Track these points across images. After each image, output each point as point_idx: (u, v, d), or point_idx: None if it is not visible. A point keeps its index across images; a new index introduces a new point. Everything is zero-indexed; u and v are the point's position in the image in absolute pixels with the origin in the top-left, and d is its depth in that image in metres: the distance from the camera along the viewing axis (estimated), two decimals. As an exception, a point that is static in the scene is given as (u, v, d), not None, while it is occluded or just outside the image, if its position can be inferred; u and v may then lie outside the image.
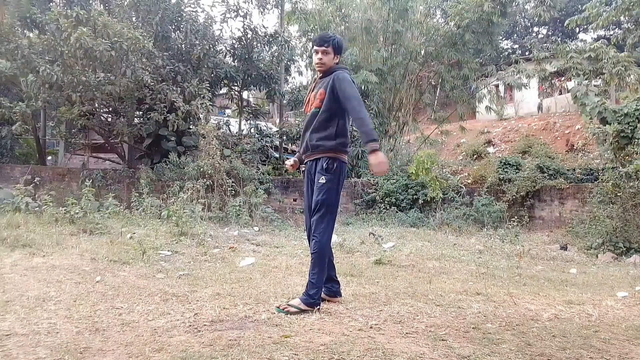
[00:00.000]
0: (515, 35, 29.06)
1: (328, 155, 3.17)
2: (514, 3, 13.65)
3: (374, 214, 10.92)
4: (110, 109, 11.47)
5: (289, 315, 2.99)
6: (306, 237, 3.49)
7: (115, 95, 10.03)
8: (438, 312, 3.26)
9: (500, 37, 22.96)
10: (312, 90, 3.36)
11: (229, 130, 13.15)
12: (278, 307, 3.13)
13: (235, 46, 12.22)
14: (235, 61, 12.42)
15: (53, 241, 5.29)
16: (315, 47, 3.28)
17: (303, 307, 3.09)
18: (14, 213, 6.79)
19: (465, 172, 13.49)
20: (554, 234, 9.88)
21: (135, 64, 9.45)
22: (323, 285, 3.24)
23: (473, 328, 2.91)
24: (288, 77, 16.06)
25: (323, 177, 3.14)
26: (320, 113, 3.19)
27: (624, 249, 7.36)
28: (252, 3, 12.21)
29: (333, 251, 3.55)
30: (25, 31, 11.01)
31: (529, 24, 28.93)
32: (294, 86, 17.06)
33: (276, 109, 17.96)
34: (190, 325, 2.76)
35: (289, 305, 3.11)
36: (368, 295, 3.69)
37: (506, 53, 26.02)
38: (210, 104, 10.66)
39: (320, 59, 3.22)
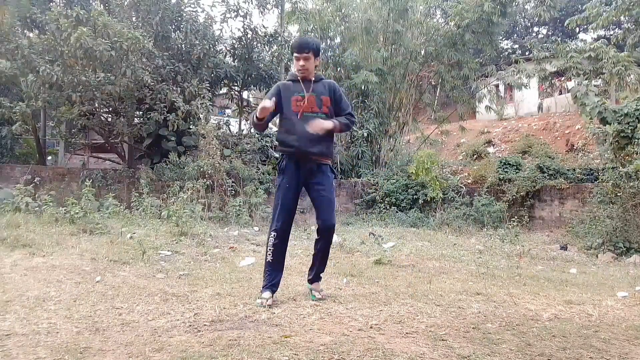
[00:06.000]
0: (515, 35, 29.03)
1: (330, 161, 3.52)
2: (514, 3, 13.64)
3: (374, 214, 10.92)
4: (110, 109, 11.45)
5: (289, 315, 3.01)
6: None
7: (115, 95, 10.02)
8: (438, 312, 3.26)
9: (500, 37, 22.92)
10: (303, 92, 3.30)
11: (229, 130, 13.13)
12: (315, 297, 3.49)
13: (235, 46, 12.21)
14: (235, 61, 12.40)
15: (53, 241, 5.28)
16: (295, 54, 3.30)
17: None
18: (14, 213, 6.78)
19: (465, 172, 13.48)
20: (554, 234, 9.88)
21: (135, 64, 9.44)
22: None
23: (473, 328, 2.91)
24: (288, 77, 16.04)
25: (332, 179, 3.48)
26: (326, 118, 3.35)
27: (624, 249, 7.36)
28: (252, 3, 12.20)
29: (333, 251, 3.82)
30: (25, 31, 11.00)
31: (529, 24, 28.90)
32: (294, 86, 17.02)
33: (276, 109, 17.94)
34: (190, 325, 2.77)
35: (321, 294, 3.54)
36: (368, 295, 3.70)
37: (506, 53, 25.99)
38: (210, 104, 10.65)
39: (303, 65, 3.28)
